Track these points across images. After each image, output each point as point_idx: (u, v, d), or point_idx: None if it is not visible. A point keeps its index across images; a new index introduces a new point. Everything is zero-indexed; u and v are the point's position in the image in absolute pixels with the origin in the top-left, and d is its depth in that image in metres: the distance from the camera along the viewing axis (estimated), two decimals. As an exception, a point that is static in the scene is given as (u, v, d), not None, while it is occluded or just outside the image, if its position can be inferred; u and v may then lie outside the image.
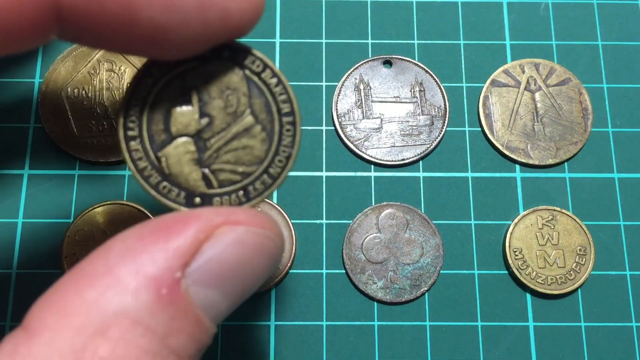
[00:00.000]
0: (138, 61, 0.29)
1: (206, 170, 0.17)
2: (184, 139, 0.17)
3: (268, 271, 0.15)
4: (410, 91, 0.29)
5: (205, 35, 0.15)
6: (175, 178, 0.17)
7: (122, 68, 0.29)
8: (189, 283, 0.14)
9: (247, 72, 0.17)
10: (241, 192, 0.17)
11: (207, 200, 0.17)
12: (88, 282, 0.13)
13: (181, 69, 0.17)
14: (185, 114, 0.17)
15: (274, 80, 0.17)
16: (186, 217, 0.14)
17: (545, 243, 0.27)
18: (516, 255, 0.27)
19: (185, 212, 0.15)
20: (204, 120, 0.17)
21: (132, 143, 0.17)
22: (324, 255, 0.27)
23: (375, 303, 0.27)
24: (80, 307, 0.13)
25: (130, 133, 0.17)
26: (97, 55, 0.29)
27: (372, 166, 0.28)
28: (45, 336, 0.13)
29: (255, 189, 0.17)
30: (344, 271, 0.27)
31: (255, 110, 0.17)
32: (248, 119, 0.17)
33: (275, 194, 0.28)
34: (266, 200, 0.27)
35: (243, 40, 0.17)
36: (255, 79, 0.17)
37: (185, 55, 0.16)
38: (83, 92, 0.28)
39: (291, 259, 0.27)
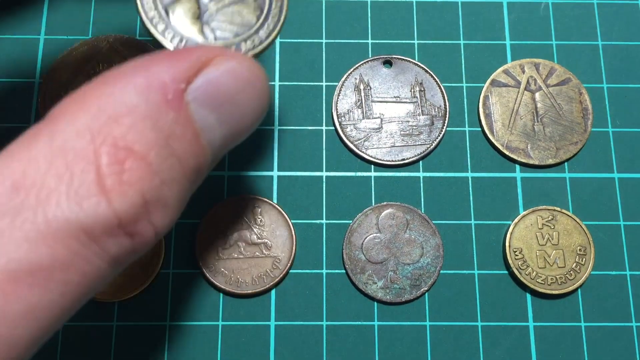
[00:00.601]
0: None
1: (204, 25, 0.20)
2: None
3: (257, 108, 0.17)
4: (410, 91, 0.29)
5: None
6: (179, 28, 0.20)
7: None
8: (190, 98, 0.16)
9: None
10: (233, 47, 0.20)
11: None
12: (105, 83, 0.15)
13: None
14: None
15: None
16: (190, 49, 0.17)
17: (545, 243, 0.27)
18: (516, 255, 0.27)
19: (188, 47, 0.17)
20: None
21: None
22: (324, 255, 0.27)
23: (375, 303, 0.27)
24: (98, 98, 0.15)
25: None
26: (97, 56, 0.29)
27: (372, 166, 0.28)
28: (65, 119, 0.14)
29: (246, 46, 0.20)
30: (344, 271, 0.27)
31: None
32: None
33: (275, 194, 0.28)
34: (267, 200, 0.27)
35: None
36: None
37: None
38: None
39: (291, 259, 0.27)
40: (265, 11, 0.21)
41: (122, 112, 0.15)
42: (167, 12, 0.21)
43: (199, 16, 0.20)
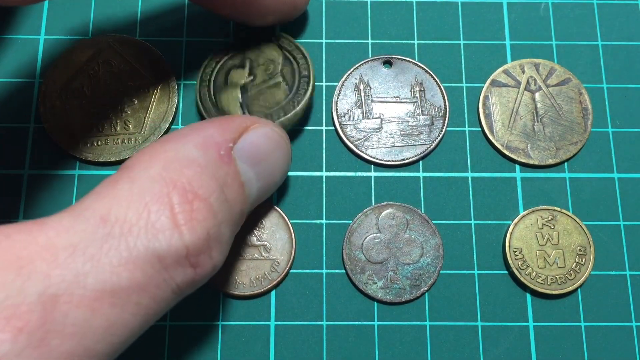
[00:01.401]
0: (137, 62, 0.29)
1: (245, 109, 0.27)
2: (235, 88, 0.27)
3: (284, 167, 0.22)
4: (410, 91, 0.29)
5: (277, 8, 0.26)
6: (223, 112, 0.27)
7: (122, 68, 0.29)
8: (236, 156, 0.19)
9: (284, 50, 0.28)
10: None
11: None
12: (168, 141, 0.19)
13: (243, 48, 0.28)
14: (239, 73, 0.28)
15: (300, 56, 0.28)
16: (234, 116, 0.21)
17: (545, 243, 0.27)
18: (516, 255, 0.27)
19: (233, 115, 0.22)
20: (249, 78, 0.27)
21: (203, 89, 0.28)
22: (324, 255, 0.27)
23: (375, 303, 0.27)
24: (165, 152, 0.18)
25: (203, 83, 0.28)
26: (97, 56, 0.29)
27: (372, 166, 0.28)
28: (140, 167, 0.17)
29: (276, 117, 0.26)
30: (344, 271, 0.27)
31: (285, 74, 0.27)
32: (278, 78, 0.27)
33: (275, 195, 0.28)
34: (267, 202, 0.27)
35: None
36: (288, 54, 0.28)
37: (261, 22, 0.27)
38: (83, 91, 0.28)
39: (290, 262, 0.27)
40: (293, 92, 0.27)
41: (186, 164, 0.18)
42: (216, 100, 0.27)
43: (241, 102, 0.27)
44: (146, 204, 0.16)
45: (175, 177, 0.17)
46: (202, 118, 0.27)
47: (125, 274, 0.15)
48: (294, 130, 0.28)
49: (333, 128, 0.29)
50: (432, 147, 0.28)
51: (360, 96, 0.29)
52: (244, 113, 0.27)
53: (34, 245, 0.15)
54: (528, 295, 0.27)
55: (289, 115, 0.26)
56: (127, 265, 0.16)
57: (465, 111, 0.29)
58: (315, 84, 0.29)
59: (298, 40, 0.30)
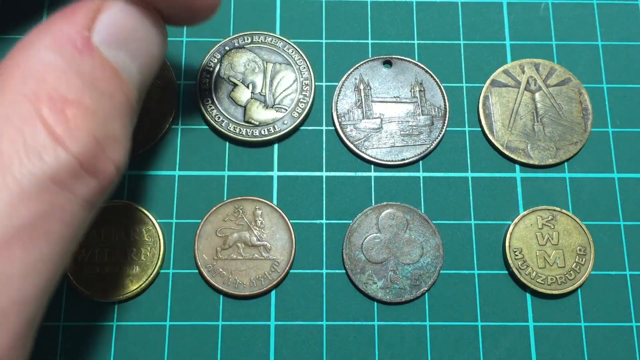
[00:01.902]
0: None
1: (275, 106, 0.28)
2: (250, 101, 0.29)
3: (159, 37, 0.20)
4: (410, 91, 0.29)
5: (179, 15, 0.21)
6: (265, 123, 0.28)
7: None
8: (97, 43, 0.17)
9: (247, 47, 0.29)
10: (301, 97, 0.29)
11: (289, 119, 0.28)
12: (21, 50, 0.17)
13: (215, 71, 0.29)
14: (238, 92, 0.29)
15: (270, 39, 0.29)
16: (83, 2, 0.18)
17: (545, 243, 0.27)
18: (516, 255, 0.27)
19: (78, 2, 0.18)
20: (250, 87, 0.29)
21: (230, 126, 0.28)
22: (324, 255, 0.27)
23: (375, 303, 0.27)
24: (18, 67, 0.16)
25: (218, 120, 0.28)
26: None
27: (372, 166, 0.28)
28: None
29: (304, 92, 0.29)
30: (344, 271, 0.27)
31: (266, 58, 0.29)
32: (270, 66, 0.29)
33: (275, 194, 0.28)
34: (268, 202, 0.27)
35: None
36: (257, 48, 0.29)
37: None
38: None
39: (291, 259, 0.27)
40: (294, 66, 0.29)
41: (45, 71, 0.16)
42: (250, 122, 0.28)
43: (265, 106, 0.28)
44: (17, 129, 0.15)
45: (38, 90, 0.16)
46: (259, 145, 0.28)
47: (22, 210, 0.14)
48: (293, 130, 0.28)
49: (333, 128, 0.29)
50: (432, 147, 0.28)
51: (360, 96, 0.29)
52: (280, 109, 0.28)
53: None
54: (528, 295, 0.27)
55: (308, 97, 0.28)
56: (22, 200, 0.14)
57: (465, 111, 0.29)
58: (316, 84, 0.29)
59: (298, 40, 0.30)
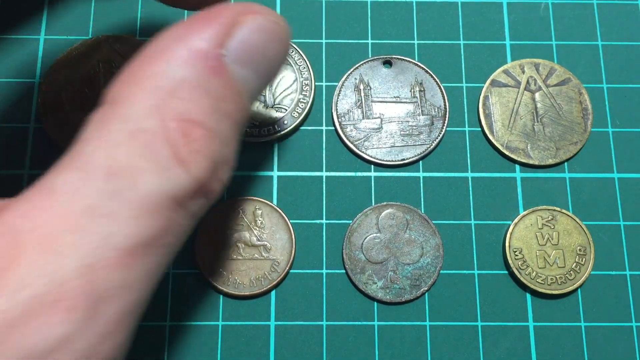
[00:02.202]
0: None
1: (276, 106, 0.28)
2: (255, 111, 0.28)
3: (282, 56, 0.19)
4: (410, 91, 0.29)
5: None
6: (265, 123, 0.28)
7: (122, 68, 0.29)
8: (228, 61, 0.17)
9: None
10: (301, 96, 0.29)
11: (290, 119, 0.28)
12: (151, 60, 0.17)
13: None
14: None
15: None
16: (217, 10, 0.18)
17: (545, 243, 0.27)
18: (516, 255, 0.27)
19: (215, 8, 0.18)
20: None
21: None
22: (324, 255, 0.27)
23: (375, 303, 0.27)
24: (151, 78, 0.16)
25: None
26: (97, 56, 0.29)
27: (372, 166, 0.28)
28: (128, 102, 0.16)
29: (304, 92, 0.28)
30: (344, 271, 0.27)
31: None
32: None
33: (275, 194, 0.28)
34: (268, 202, 0.27)
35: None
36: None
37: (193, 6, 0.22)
38: (83, 92, 0.28)
39: (290, 262, 0.27)
40: (294, 66, 0.29)
41: (177, 87, 0.16)
42: (253, 124, 0.28)
43: (266, 106, 0.28)
44: (146, 144, 0.15)
45: (169, 107, 0.16)
46: (259, 145, 0.28)
47: (147, 224, 0.15)
48: (293, 130, 0.28)
49: (333, 128, 0.29)
50: (432, 147, 0.28)
51: (360, 96, 0.29)
52: (281, 109, 0.28)
53: (54, 219, 0.15)
54: (528, 295, 0.27)
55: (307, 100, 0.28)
56: (146, 215, 0.15)
57: (465, 111, 0.29)
58: (316, 84, 0.29)
59: (298, 40, 0.30)
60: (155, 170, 0.15)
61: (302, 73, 0.29)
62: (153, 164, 0.15)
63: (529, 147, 0.28)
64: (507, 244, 0.27)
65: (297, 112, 0.28)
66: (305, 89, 0.29)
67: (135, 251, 0.15)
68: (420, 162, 0.28)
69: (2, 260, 0.14)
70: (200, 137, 0.16)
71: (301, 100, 0.28)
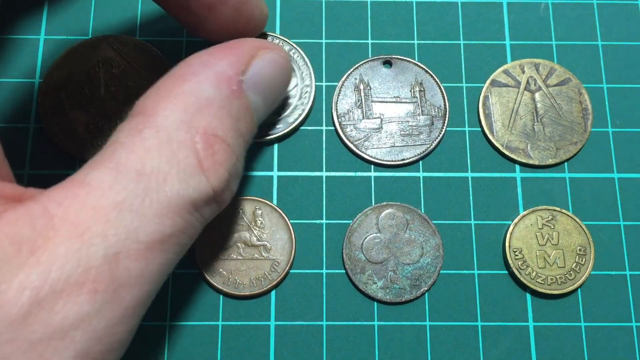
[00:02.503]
0: (137, 62, 0.29)
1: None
2: None
3: (286, 87, 0.23)
4: (410, 91, 0.29)
5: (232, 25, 0.24)
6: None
7: (122, 68, 0.29)
8: (245, 87, 0.20)
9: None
10: (300, 102, 0.28)
11: (284, 124, 0.28)
12: (183, 79, 0.19)
13: None
14: None
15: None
16: (238, 42, 0.21)
17: (545, 243, 0.27)
18: (516, 255, 0.27)
19: (238, 40, 0.22)
20: None
21: None
22: (324, 255, 0.27)
23: (375, 303, 0.27)
24: (183, 95, 0.19)
25: None
26: (97, 56, 0.29)
27: (372, 166, 0.28)
28: (162, 114, 0.18)
29: (305, 97, 0.28)
30: (344, 271, 0.27)
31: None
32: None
33: (275, 194, 0.28)
34: (268, 202, 0.27)
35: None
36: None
37: (218, 37, 0.24)
38: (83, 92, 0.28)
39: (290, 262, 0.27)
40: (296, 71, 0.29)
41: (204, 105, 0.19)
42: None
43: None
44: (174, 153, 0.18)
45: (197, 122, 0.18)
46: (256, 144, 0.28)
47: (168, 223, 0.17)
48: (293, 130, 0.28)
49: (333, 128, 0.29)
50: (432, 147, 0.28)
51: (360, 96, 0.29)
52: (276, 111, 0.28)
53: (86, 209, 0.16)
54: (528, 295, 0.27)
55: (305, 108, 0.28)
56: (168, 214, 0.17)
57: (465, 111, 0.29)
58: (316, 84, 0.29)
59: (298, 40, 0.30)
60: (181, 176, 0.18)
61: (304, 80, 0.29)
62: (179, 170, 0.18)
63: (529, 147, 0.28)
64: (507, 244, 0.27)
65: (297, 112, 0.28)
66: (304, 96, 0.28)
67: (155, 246, 0.17)
68: (420, 162, 0.28)
69: (37, 239, 0.15)
70: (221, 151, 0.19)
71: (298, 106, 0.28)
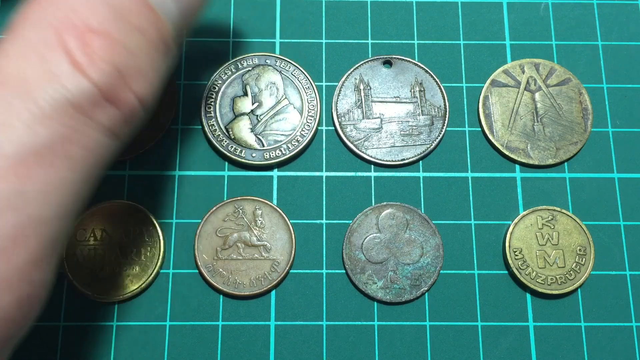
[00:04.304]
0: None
1: (259, 136, 0.28)
2: (243, 117, 0.28)
3: None
4: (410, 91, 0.29)
5: None
6: (238, 141, 0.28)
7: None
8: None
9: (283, 73, 0.29)
10: (284, 146, 0.28)
11: (259, 155, 0.27)
12: None
13: (240, 72, 0.29)
14: (243, 101, 0.28)
15: (302, 77, 0.29)
16: None
17: (545, 243, 0.27)
18: (516, 255, 0.27)
19: None
20: (255, 105, 0.28)
21: (210, 121, 0.28)
22: (324, 255, 0.27)
23: (375, 303, 0.27)
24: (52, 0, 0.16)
25: (208, 115, 0.28)
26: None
27: (372, 166, 0.28)
28: (29, 23, 0.16)
29: (293, 145, 0.28)
30: (344, 271, 0.27)
31: (289, 95, 0.28)
32: (285, 102, 0.28)
33: (275, 194, 0.28)
34: (268, 202, 0.27)
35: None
36: (289, 76, 0.29)
37: None
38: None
39: (290, 262, 0.27)
40: (304, 114, 0.28)
41: (74, 3, 0.16)
42: (227, 131, 0.28)
43: (252, 129, 0.28)
44: (42, 56, 0.16)
45: (64, 17, 0.16)
46: (214, 150, 0.28)
47: (42, 131, 0.15)
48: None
49: (333, 128, 0.29)
50: (432, 147, 0.28)
51: (360, 96, 0.29)
52: (259, 142, 0.27)
53: None
54: (528, 295, 0.27)
55: (308, 137, 0.28)
56: (42, 121, 0.15)
57: (465, 111, 0.29)
58: (316, 84, 0.29)
59: (298, 40, 0.30)
60: (52, 78, 0.15)
61: (308, 120, 0.28)
62: (49, 73, 0.15)
63: (529, 147, 0.28)
64: (507, 244, 0.27)
65: (290, 147, 0.28)
66: (304, 132, 0.28)
67: (27, 160, 0.15)
68: (420, 162, 0.28)
69: None
70: (100, 46, 0.16)
71: (292, 141, 0.28)
